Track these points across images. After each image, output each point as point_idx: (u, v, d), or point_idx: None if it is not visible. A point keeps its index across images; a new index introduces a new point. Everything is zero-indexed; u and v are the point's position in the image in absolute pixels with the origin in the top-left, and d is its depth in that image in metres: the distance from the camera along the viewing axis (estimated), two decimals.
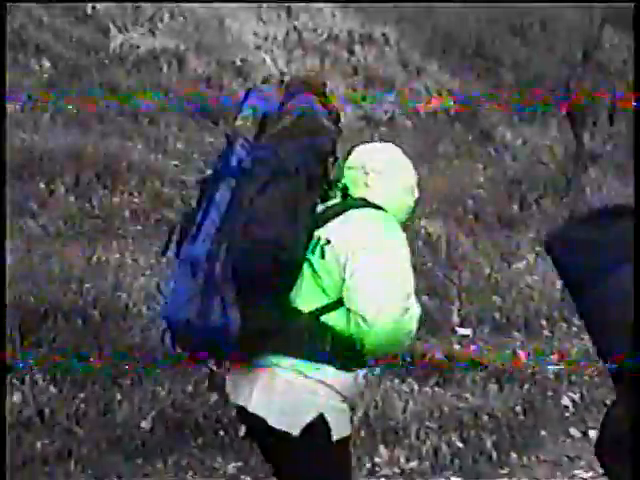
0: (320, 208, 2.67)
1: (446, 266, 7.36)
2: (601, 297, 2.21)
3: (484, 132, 10.03)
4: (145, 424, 4.76)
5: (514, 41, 12.78)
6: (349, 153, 2.83)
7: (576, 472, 5.20)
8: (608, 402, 6.15)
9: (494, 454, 5.19)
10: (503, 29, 12.87)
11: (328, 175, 2.64)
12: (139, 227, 6.87)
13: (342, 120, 2.80)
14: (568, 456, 5.40)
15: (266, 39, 10.89)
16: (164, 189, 7.41)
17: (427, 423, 5.29)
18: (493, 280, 7.44)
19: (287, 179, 2.49)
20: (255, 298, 2.47)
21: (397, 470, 4.94)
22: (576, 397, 6.13)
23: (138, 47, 9.71)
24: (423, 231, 7.63)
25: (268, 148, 2.54)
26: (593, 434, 5.77)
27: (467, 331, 6.79)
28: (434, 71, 11.26)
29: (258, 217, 2.46)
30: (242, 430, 4.63)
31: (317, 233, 2.59)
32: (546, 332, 7.06)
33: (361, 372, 2.69)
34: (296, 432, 2.55)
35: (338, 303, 2.56)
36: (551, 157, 9.78)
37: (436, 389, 5.74)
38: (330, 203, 2.71)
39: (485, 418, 5.48)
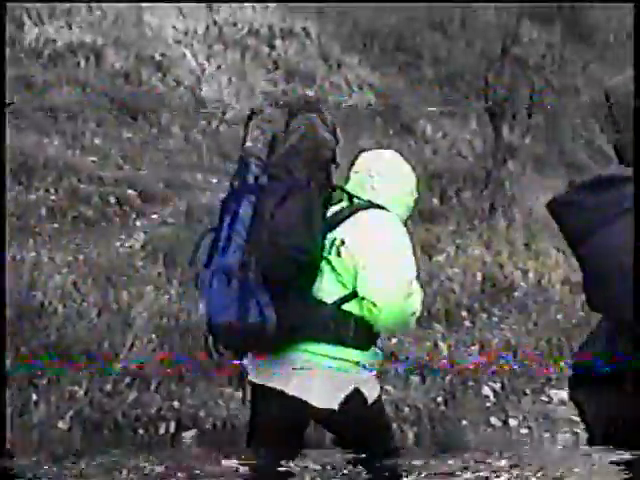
0: (331, 211, 3.12)
1: None
2: (591, 250, 2.44)
3: (404, 126, 10.09)
4: (62, 424, 4.67)
5: (434, 36, 12.87)
6: (355, 158, 3.26)
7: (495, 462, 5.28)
8: (528, 391, 6.31)
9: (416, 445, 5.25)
10: (423, 24, 12.96)
11: (331, 181, 3.08)
12: (56, 225, 6.75)
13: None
14: (488, 444, 5.49)
15: (186, 34, 10.79)
16: (81, 185, 7.29)
17: None
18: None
19: (301, 192, 2.93)
20: (285, 297, 2.93)
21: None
22: (497, 387, 6.22)
23: (54, 41, 9.53)
24: None
25: (281, 165, 2.96)
26: (514, 423, 5.89)
27: None
28: (354, 65, 11.27)
29: (280, 228, 2.89)
30: (162, 428, 4.58)
31: (332, 235, 3.04)
32: (467, 323, 7.14)
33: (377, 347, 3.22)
34: (335, 406, 3.03)
35: (355, 294, 3.02)
36: (470, 151, 9.90)
37: None
38: (339, 207, 3.14)
39: (407, 410, 5.53)
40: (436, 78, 11.40)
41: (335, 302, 3.04)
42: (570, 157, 11.37)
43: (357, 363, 3.08)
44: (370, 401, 3.13)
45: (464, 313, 7.26)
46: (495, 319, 7.36)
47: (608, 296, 2.41)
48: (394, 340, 6.57)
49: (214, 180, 8.24)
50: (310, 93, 10.13)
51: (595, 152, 12.02)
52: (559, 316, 7.59)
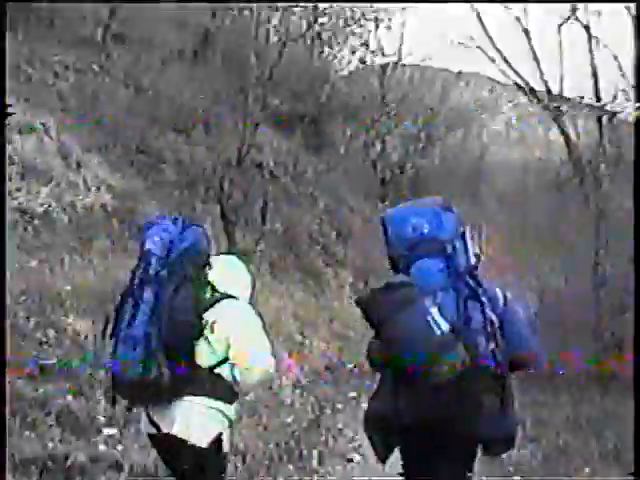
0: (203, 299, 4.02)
1: (93, 365, 7.19)
2: (387, 330, 3.59)
3: (142, 228, 10.01)
4: None
5: (177, 139, 13.01)
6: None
7: None
8: None
9: None
10: (167, 126, 13.07)
11: (206, 278, 4.02)
12: None
13: None
14: None
15: None
16: None
17: None
18: None
19: (190, 283, 3.92)
20: (177, 359, 3.84)
21: None
22: None
23: None
24: (70, 329, 7.43)
25: (176, 263, 3.90)
26: None
27: (113, 431, 6.65)
28: (94, 165, 11.12)
29: (177, 309, 3.84)
30: None
31: (205, 315, 3.92)
32: None
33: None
34: (205, 445, 3.89)
35: (225, 360, 3.91)
36: None
37: None
38: (207, 296, 4.01)
39: None
40: (176, 181, 11.46)
41: (209, 366, 3.93)
42: (306, 262, 11.74)
43: (224, 414, 3.97)
44: (224, 450, 4.04)
45: None
46: None
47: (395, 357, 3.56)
48: (119, 446, 6.42)
49: None
50: (45, 190, 9.87)
51: (330, 257, 12.54)
52: (289, 419, 7.72)
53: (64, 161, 11.05)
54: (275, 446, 6.95)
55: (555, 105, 12.36)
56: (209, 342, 3.89)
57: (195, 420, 3.87)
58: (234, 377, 3.94)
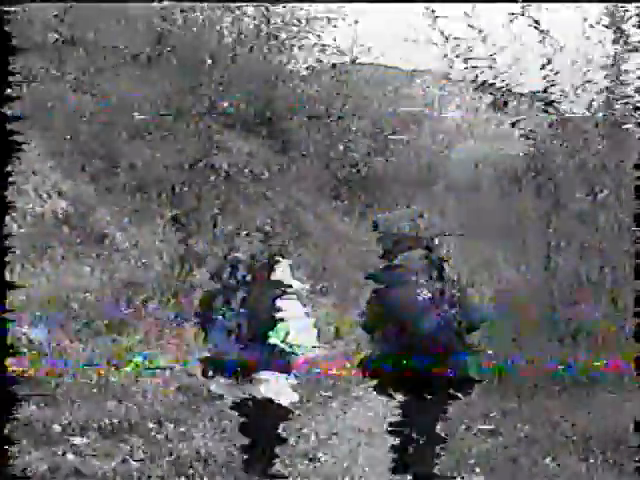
0: None
1: (52, 374, 7.17)
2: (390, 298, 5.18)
3: (94, 234, 9.93)
4: None
5: (133, 143, 12.88)
6: None
7: None
8: None
9: None
10: (121, 131, 12.93)
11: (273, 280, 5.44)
12: None
13: None
14: None
15: None
16: None
17: None
18: (103, 385, 7.37)
19: (267, 286, 5.32)
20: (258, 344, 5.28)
21: None
22: None
23: None
24: (24, 338, 7.37)
25: (257, 270, 5.30)
26: None
27: (76, 440, 6.64)
28: (47, 171, 10.98)
29: (259, 307, 5.25)
30: None
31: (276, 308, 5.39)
32: (159, 436, 7.08)
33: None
34: (278, 401, 5.40)
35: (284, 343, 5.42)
36: (159, 260, 9.94)
37: None
38: (275, 293, 5.45)
39: None
40: (130, 186, 11.36)
41: (276, 348, 5.37)
42: None
43: (286, 380, 5.48)
44: (287, 405, 5.62)
45: (154, 425, 7.21)
46: (186, 429, 7.35)
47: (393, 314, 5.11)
48: (79, 458, 6.40)
49: None
50: None
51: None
52: None
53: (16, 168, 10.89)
54: (238, 448, 6.98)
55: (505, 99, 12.45)
56: (277, 331, 5.29)
57: (269, 386, 5.34)
58: (290, 356, 5.37)
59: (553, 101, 11.49)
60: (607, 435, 6.84)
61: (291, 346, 5.36)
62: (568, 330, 9.11)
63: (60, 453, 6.33)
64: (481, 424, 7.43)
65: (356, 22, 18.56)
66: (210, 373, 5.47)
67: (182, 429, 7.28)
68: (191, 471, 6.37)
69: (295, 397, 5.55)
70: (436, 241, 5.32)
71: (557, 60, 11.24)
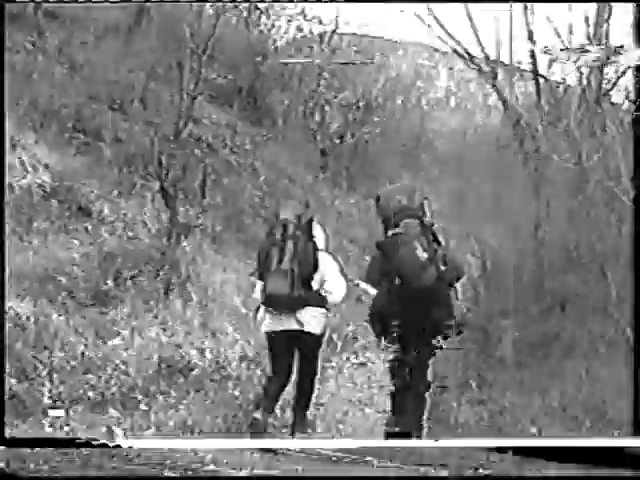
0: None
1: (36, 347, 7.13)
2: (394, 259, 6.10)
3: (81, 207, 9.86)
4: None
5: (115, 116, 12.79)
6: None
7: None
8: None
9: None
10: (104, 103, 12.83)
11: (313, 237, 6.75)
12: None
13: None
14: None
15: None
16: None
17: None
18: (87, 358, 7.34)
19: (310, 241, 6.55)
20: (305, 285, 6.47)
21: None
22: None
23: None
24: (12, 312, 7.32)
25: (303, 228, 6.55)
26: None
27: (60, 412, 6.62)
28: (30, 145, 10.87)
29: (306, 256, 6.45)
30: None
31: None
32: (142, 406, 7.07)
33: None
34: (318, 332, 6.59)
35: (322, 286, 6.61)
36: (146, 232, 9.89)
37: None
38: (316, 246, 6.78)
39: None
40: (115, 159, 11.28)
41: (316, 289, 6.55)
42: (248, 235, 11.68)
43: (324, 314, 6.64)
44: (325, 334, 6.94)
45: (140, 396, 7.20)
46: (172, 400, 7.35)
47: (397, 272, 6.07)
48: (66, 427, 6.40)
49: None
50: None
51: None
52: (236, 392, 7.74)
53: None
54: (223, 419, 6.98)
55: (491, 69, 12.42)
56: (315, 279, 6.52)
57: (313, 319, 6.50)
58: (326, 295, 6.57)
59: (538, 72, 11.48)
60: (593, 404, 6.88)
61: (326, 291, 6.55)
62: (556, 299, 9.14)
63: (46, 425, 6.34)
64: (467, 393, 7.47)
65: None
66: (261, 314, 6.66)
67: (168, 400, 7.31)
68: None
69: (326, 328, 6.82)
70: (427, 212, 6.32)
71: (542, 31, 11.21)
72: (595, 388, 7.22)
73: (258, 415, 6.45)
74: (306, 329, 6.46)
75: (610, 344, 7.92)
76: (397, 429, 6.25)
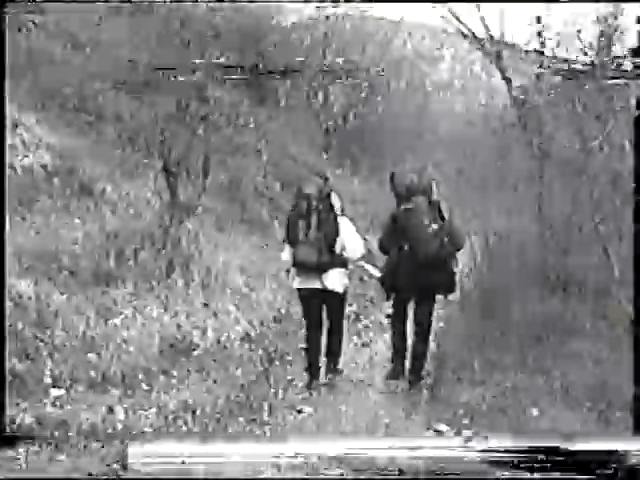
0: None
1: (37, 326, 7.11)
2: (407, 229, 7.31)
3: (83, 187, 9.84)
4: None
5: (118, 95, 12.75)
6: None
7: None
8: None
9: None
10: (106, 82, 12.78)
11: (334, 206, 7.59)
12: None
13: None
14: None
15: None
16: None
17: None
18: (88, 337, 7.33)
19: (332, 211, 7.37)
20: (329, 251, 7.33)
21: None
22: None
23: None
24: (13, 290, 7.30)
25: (324, 200, 7.38)
26: None
27: (60, 392, 6.60)
28: (32, 124, 10.84)
29: (329, 226, 7.30)
30: None
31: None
32: (144, 386, 7.05)
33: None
34: (341, 291, 7.51)
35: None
36: (149, 210, 9.86)
37: None
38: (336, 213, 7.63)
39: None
40: (117, 138, 11.24)
41: (339, 253, 7.35)
42: (251, 215, 11.67)
43: (345, 274, 7.54)
44: (347, 292, 7.76)
45: (141, 376, 7.19)
46: (174, 380, 7.34)
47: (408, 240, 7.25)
48: (67, 407, 6.37)
49: None
50: None
51: (276, 209, 12.45)
52: (238, 372, 7.73)
53: None
54: (225, 399, 6.96)
55: (496, 50, 12.31)
56: (338, 244, 7.30)
57: (337, 279, 7.40)
58: (347, 256, 7.40)
59: (543, 52, 11.37)
60: (595, 385, 6.84)
61: (347, 251, 7.37)
62: (559, 279, 9.10)
63: (47, 405, 6.32)
64: (469, 374, 7.43)
65: None
66: (292, 274, 7.70)
67: (169, 380, 7.30)
68: (180, 422, 6.36)
69: (348, 284, 7.67)
70: (435, 190, 7.32)
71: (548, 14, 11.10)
72: (597, 369, 7.18)
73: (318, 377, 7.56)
74: (329, 287, 7.38)
75: (612, 325, 7.89)
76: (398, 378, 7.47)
